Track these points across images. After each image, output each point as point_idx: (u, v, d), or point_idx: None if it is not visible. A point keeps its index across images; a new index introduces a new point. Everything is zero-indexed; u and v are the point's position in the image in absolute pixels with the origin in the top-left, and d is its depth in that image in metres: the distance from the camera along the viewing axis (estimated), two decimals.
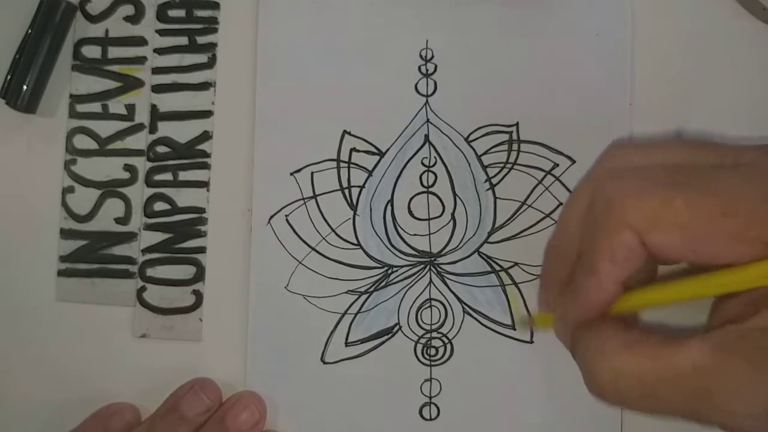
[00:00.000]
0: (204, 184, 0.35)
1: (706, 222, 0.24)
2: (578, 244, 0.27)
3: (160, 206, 0.35)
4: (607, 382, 0.25)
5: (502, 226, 0.34)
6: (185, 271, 0.34)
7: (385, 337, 0.34)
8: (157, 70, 0.35)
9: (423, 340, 0.34)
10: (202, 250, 0.34)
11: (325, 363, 0.34)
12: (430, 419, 0.34)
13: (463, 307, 0.34)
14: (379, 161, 0.34)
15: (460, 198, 0.34)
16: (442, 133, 0.34)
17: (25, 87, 0.34)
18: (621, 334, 0.26)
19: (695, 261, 0.25)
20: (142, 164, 0.35)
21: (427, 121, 0.34)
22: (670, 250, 0.25)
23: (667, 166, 0.26)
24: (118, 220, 0.35)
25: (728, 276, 0.24)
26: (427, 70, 0.34)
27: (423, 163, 0.34)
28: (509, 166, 0.34)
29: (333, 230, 0.34)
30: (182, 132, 0.35)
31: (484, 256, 0.34)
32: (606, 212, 0.25)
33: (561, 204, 0.33)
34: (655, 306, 0.27)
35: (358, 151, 0.34)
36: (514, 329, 0.34)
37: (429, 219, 0.34)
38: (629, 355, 0.25)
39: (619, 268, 0.25)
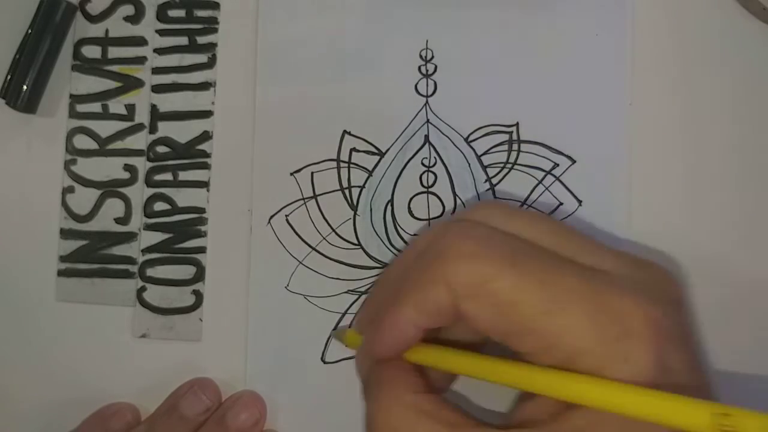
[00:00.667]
0: (204, 184, 0.35)
1: (523, 313, 0.23)
2: (402, 275, 0.26)
3: (160, 206, 0.35)
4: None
5: None
6: (185, 271, 0.34)
7: None
8: (157, 70, 0.35)
9: None
10: (202, 250, 0.34)
11: (325, 363, 0.34)
12: None
13: None
14: (379, 161, 0.34)
15: (460, 198, 0.34)
16: (442, 133, 0.34)
17: (25, 87, 0.34)
18: (415, 396, 0.25)
19: (503, 344, 0.24)
20: (142, 164, 0.35)
21: (427, 121, 0.34)
22: (480, 324, 0.24)
23: (516, 242, 0.25)
24: (118, 220, 0.35)
25: (525, 373, 0.24)
26: (427, 70, 0.34)
27: (423, 164, 0.34)
28: (509, 166, 0.34)
29: (333, 230, 0.34)
30: (182, 132, 0.35)
31: None
32: (433, 262, 0.25)
33: (561, 204, 0.33)
34: (448, 371, 0.26)
35: (358, 151, 0.34)
36: None
37: (429, 219, 0.34)
38: (418, 421, 0.24)
39: (423, 317, 0.25)
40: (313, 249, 0.34)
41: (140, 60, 0.35)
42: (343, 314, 0.34)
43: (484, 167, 0.34)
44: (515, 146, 0.34)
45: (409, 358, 0.26)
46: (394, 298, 0.26)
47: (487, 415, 0.29)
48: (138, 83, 0.35)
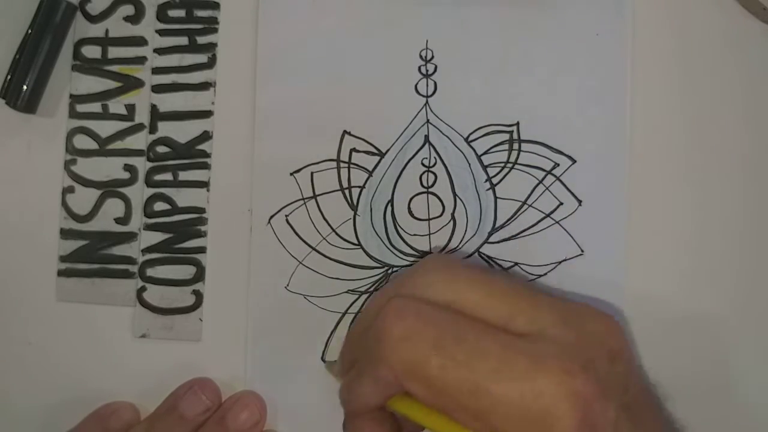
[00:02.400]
0: (204, 184, 0.35)
1: (452, 394, 0.25)
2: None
3: (160, 206, 0.35)
4: None
5: (502, 226, 0.34)
6: (185, 271, 0.34)
7: None
8: (157, 70, 0.35)
9: None
10: (202, 250, 0.34)
11: (325, 362, 0.34)
12: None
13: None
14: (379, 161, 0.34)
15: (460, 198, 0.34)
16: (442, 133, 0.34)
17: (25, 87, 0.34)
18: None
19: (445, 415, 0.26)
20: (142, 164, 0.35)
21: (427, 121, 0.34)
22: (420, 399, 0.26)
23: (446, 322, 0.26)
24: (118, 220, 0.35)
25: None
26: (427, 70, 0.34)
27: (423, 164, 0.34)
28: (509, 165, 0.34)
29: (333, 230, 0.34)
30: (182, 132, 0.35)
31: (485, 256, 0.34)
32: (375, 343, 0.27)
33: (561, 204, 0.33)
34: (419, 424, 0.28)
35: (358, 151, 0.34)
36: None
37: (429, 219, 0.34)
38: None
39: (380, 388, 0.27)
40: (313, 249, 0.34)
41: (140, 60, 0.35)
42: (343, 314, 0.34)
43: (485, 167, 0.34)
44: (515, 146, 0.34)
45: (387, 405, 0.28)
46: (357, 366, 0.28)
47: None
48: (138, 83, 0.35)
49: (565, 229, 0.33)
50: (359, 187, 0.34)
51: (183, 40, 0.35)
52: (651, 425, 0.27)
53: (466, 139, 0.34)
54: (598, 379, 0.25)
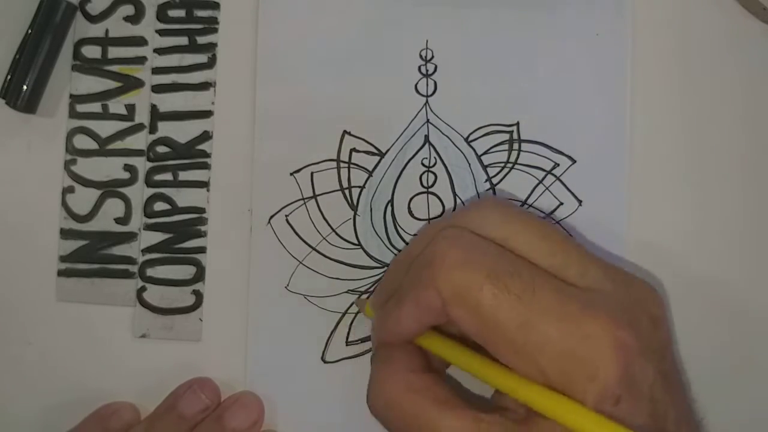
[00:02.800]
0: (204, 184, 0.35)
1: (500, 325, 0.25)
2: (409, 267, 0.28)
3: (160, 206, 0.35)
4: (379, 406, 0.28)
5: None
6: (185, 271, 0.34)
7: None
8: (157, 70, 0.35)
9: None
10: (202, 250, 0.34)
11: (325, 362, 0.34)
12: None
13: None
14: (379, 161, 0.34)
15: (460, 198, 0.34)
16: (442, 133, 0.34)
17: (25, 87, 0.34)
18: (408, 374, 0.27)
19: (485, 348, 0.26)
20: (142, 164, 0.35)
21: (427, 121, 0.34)
22: (464, 328, 0.26)
23: (501, 255, 0.26)
24: (118, 220, 0.35)
25: (502, 377, 0.26)
26: (427, 70, 0.34)
27: (423, 164, 0.34)
28: (509, 165, 0.34)
29: (333, 230, 0.34)
30: (182, 132, 0.35)
31: None
32: (425, 266, 0.26)
33: (561, 204, 0.33)
34: (446, 360, 0.28)
35: (358, 151, 0.34)
36: None
37: (429, 219, 0.34)
38: (406, 396, 0.27)
39: (421, 315, 0.27)
40: (313, 249, 0.34)
41: (140, 60, 0.35)
42: (343, 314, 0.34)
43: (485, 167, 0.34)
44: (515, 146, 0.34)
45: (417, 341, 0.28)
46: (398, 293, 0.28)
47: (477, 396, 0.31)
48: (138, 83, 0.35)
49: (566, 229, 0.33)
50: (359, 187, 0.34)
51: (183, 40, 0.35)
52: (681, 399, 0.27)
53: (466, 139, 0.34)
54: (641, 337, 0.25)
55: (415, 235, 0.34)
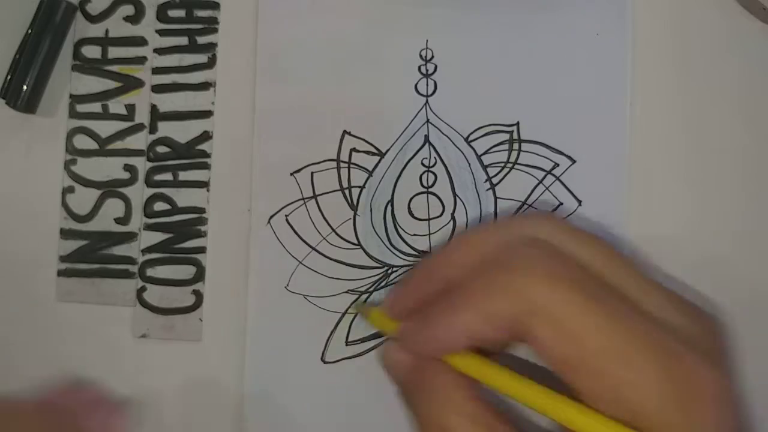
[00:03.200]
0: (204, 184, 0.35)
1: (586, 347, 0.22)
2: (459, 275, 0.25)
3: (160, 206, 0.35)
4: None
5: None
6: (185, 271, 0.34)
7: (386, 337, 0.34)
8: (157, 70, 0.35)
9: None
10: (202, 250, 0.34)
11: (325, 362, 0.34)
12: None
13: None
14: (379, 161, 0.34)
15: (460, 198, 0.34)
16: (442, 133, 0.34)
17: (25, 87, 0.34)
18: (469, 404, 0.24)
19: (558, 374, 0.23)
20: (142, 164, 0.35)
21: (427, 121, 0.34)
22: (539, 346, 0.23)
23: (583, 269, 0.23)
24: (118, 220, 0.35)
25: (573, 412, 0.22)
26: (427, 70, 0.34)
27: (423, 164, 0.34)
28: (509, 165, 0.34)
29: (333, 230, 0.34)
30: (182, 132, 0.35)
31: None
32: (504, 271, 0.23)
33: (561, 204, 0.33)
34: (490, 386, 0.24)
35: (358, 151, 0.34)
36: None
37: (429, 219, 0.34)
38: (468, 429, 0.23)
39: (481, 326, 0.23)
40: (313, 249, 0.34)
41: (140, 60, 0.35)
42: (343, 314, 0.34)
43: (485, 167, 0.34)
44: (515, 146, 0.34)
45: (452, 362, 0.25)
46: (450, 298, 0.25)
47: (523, 422, 0.29)
48: (138, 83, 0.35)
49: None
50: (359, 187, 0.34)
51: (183, 40, 0.35)
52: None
53: (466, 139, 0.34)
54: (732, 381, 0.22)
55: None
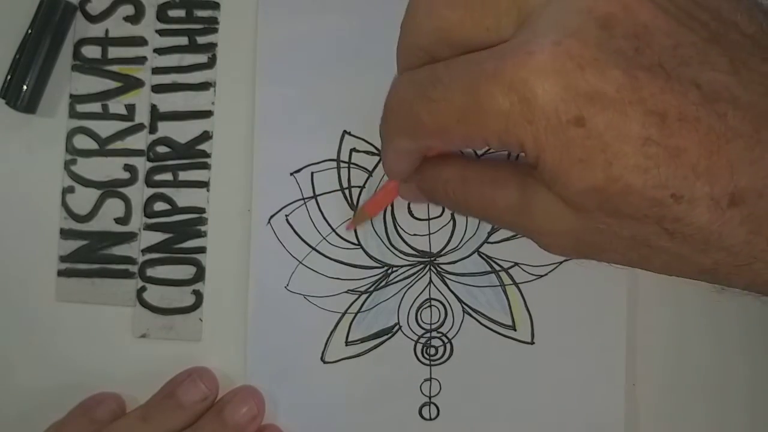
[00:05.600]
0: (204, 184, 0.35)
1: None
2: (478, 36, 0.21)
3: (160, 206, 0.35)
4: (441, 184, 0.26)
5: None
6: (185, 271, 0.34)
7: (385, 337, 0.34)
8: (157, 70, 0.35)
9: (423, 340, 0.34)
10: (202, 250, 0.34)
11: (325, 362, 0.34)
12: (430, 419, 0.34)
13: (462, 307, 0.34)
14: (379, 161, 0.34)
15: None
16: None
17: (25, 87, 0.34)
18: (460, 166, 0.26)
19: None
20: (142, 164, 0.35)
21: None
22: (532, 148, 0.21)
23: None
24: (118, 220, 0.35)
25: None
26: None
27: None
28: None
29: (333, 230, 0.34)
30: (182, 132, 0.35)
31: (484, 256, 0.34)
32: (494, 59, 0.20)
33: None
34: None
35: (358, 151, 0.34)
36: (515, 329, 0.34)
37: (429, 219, 0.34)
38: (463, 187, 0.26)
39: (477, 116, 0.21)
40: (313, 249, 0.34)
41: (140, 60, 0.35)
42: (343, 314, 0.34)
43: None
44: None
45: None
46: (432, 81, 0.22)
47: None
48: (138, 83, 0.35)
49: None
50: (359, 187, 0.34)
51: (183, 40, 0.35)
52: None
53: None
54: None
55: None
